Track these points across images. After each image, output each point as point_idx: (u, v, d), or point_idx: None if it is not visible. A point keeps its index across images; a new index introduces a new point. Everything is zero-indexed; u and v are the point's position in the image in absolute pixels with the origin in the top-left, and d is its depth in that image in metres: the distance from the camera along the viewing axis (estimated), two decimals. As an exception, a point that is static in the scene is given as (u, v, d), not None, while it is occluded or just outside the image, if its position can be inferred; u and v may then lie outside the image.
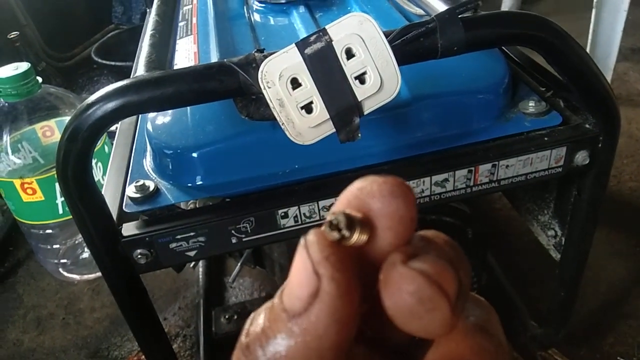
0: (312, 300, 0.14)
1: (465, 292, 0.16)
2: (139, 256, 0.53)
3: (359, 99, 0.43)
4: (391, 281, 0.15)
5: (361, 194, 0.16)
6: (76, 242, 1.12)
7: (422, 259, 0.15)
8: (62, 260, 1.11)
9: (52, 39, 1.82)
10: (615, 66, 1.41)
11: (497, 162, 0.56)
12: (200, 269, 1.07)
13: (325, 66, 0.43)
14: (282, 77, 0.42)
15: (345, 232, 0.15)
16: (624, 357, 0.86)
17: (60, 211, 1.01)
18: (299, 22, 0.71)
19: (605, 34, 1.35)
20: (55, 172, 0.97)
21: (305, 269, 0.15)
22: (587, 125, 0.58)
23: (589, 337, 0.89)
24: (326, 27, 0.42)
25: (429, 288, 0.15)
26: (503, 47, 0.70)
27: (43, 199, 0.98)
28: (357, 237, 0.15)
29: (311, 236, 0.15)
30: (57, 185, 0.98)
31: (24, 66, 0.93)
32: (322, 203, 0.54)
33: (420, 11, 0.71)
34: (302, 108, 0.43)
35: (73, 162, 0.45)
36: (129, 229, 0.53)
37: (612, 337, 0.89)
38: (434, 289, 0.15)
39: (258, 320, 0.16)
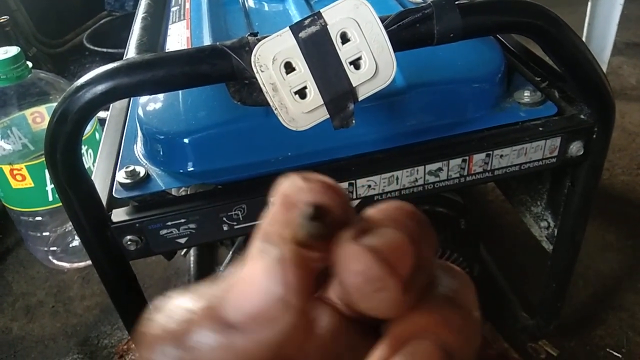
0: (265, 323, 0.13)
1: (425, 267, 0.15)
2: (129, 242, 0.52)
3: (354, 85, 0.43)
4: (339, 259, 0.14)
5: (286, 201, 0.15)
6: (66, 229, 1.11)
7: (375, 234, 0.14)
8: (51, 248, 1.10)
9: (44, 25, 1.80)
10: (609, 60, 1.41)
11: (491, 152, 0.56)
12: (192, 258, 1.06)
13: (319, 50, 0.42)
14: (276, 61, 0.42)
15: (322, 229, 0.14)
16: (614, 349, 0.87)
17: (50, 198, 1.00)
18: (293, 9, 0.70)
19: (600, 28, 1.35)
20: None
21: (271, 290, 0.13)
22: (582, 116, 0.58)
23: (579, 329, 0.90)
24: (321, 10, 0.42)
25: (377, 267, 0.13)
26: (499, 36, 0.69)
27: (33, 185, 0.97)
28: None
29: (289, 254, 0.13)
30: (47, 172, 0.97)
31: (13, 50, 0.91)
32: (315, 191, 0.54)
33: (416, -1, 0.70)
34: (295, 93, 0.43)
35: (62, 146, 0.44)
36: (118, 214, 0.52)
37: (602, 329, 0.90)
38: (383, 267, 0.13)
39: (173, 310, 0.14)
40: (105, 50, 1.74)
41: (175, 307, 0.14)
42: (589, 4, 1.33)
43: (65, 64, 1.83)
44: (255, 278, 0.13)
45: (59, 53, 1.85)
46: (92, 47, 1.77)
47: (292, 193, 0.15)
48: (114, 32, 1.88)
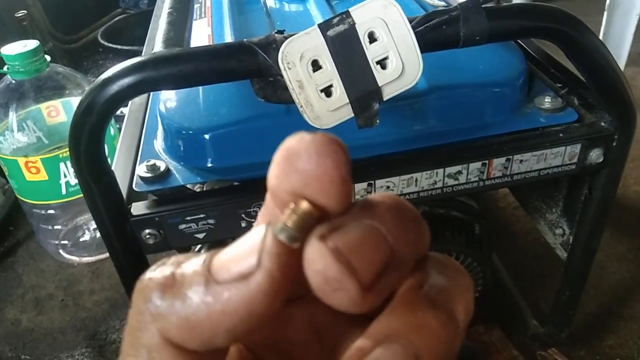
0: (239, 281, 0.14)
1: (399, 264, 0.15)
2: (148, 236, 0.52)
3: (380, 84, 0.43)
4: (305, 256, 0.14)
5: (288, 154, 0.15)
6: (77, 224, 1.11)
7: (342, 233, 0.14)
8: (62, 242, 1.11)
9: (58, 20, 1.81)
10: (624, 70, 1.41)
11: (511, 157, 0.56)
12: (202, 256, 1.06)
13: (347, 49, 0.42)
14: (303, 58, 0.42)
15: (295, 245, 0.15)
16: (624, 359, 0.86)
17: (64, 191, 1.00)
18: (315, 9, 0.71)
19: (615, 38, 1.35)
20: (60, 152, 0.97)
21: (251, 250, 0.14)
22: (603, 123, 0.58)
23: (589, 338, 0.89)
24: (350, 9, 0.42)
25: (335, 268, 0.14)
26: (520, 42, 0.69)
27: (47, 178, 0.97)
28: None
29: (278, 225, 0.14)
30: (61, 165, 0.98)
31: (32, 44, 0.92)
32: (333, 190, 0.54)
33: (437, 2, 0.70)
34: (321, 91, 0.43)
35: (87, 137, 0.45)
36: (138, 208, 0.52)
37: (612, 339, 0.89)
38: (341, 268, 0.14)
39: (170, 265, 0.15)
40: (119, 47, 1.75)
41: (176, 263, 0.15)
42: (605, 13, 1.32)
43: (79, 60, 1.85)
44: (242, 244, 0.15)
45: (73, 49, 1.86)
46: (106, 43, 1.78)
47: (294, 144, 0.15)
48: (128, 29, 1.89)
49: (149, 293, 0.15)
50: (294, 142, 0.15)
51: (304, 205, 0.15)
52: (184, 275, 0.15)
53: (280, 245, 0.14)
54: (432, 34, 0.45)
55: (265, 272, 0.14)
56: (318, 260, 0.14)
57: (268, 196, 0.17)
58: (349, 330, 0.19)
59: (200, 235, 0.54)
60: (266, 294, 0.14)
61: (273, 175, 0.15)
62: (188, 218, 0.52)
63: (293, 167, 0.15)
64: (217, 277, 0.14)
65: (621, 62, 1.37)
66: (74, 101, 0.99)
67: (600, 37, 1.34)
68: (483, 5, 0.46)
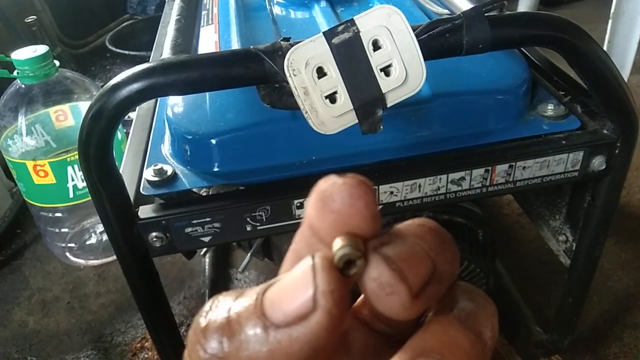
0: (298, 322, 0.15)
1: (441, 280, 0.17)
2: (154, 239, 0.53)
3: (383, 91, 0.44)
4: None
5: (324, 197, 0.16)
6: (84, 227, 1.12)
7: (392, 246, 0.16)
8: (69, 245, 1.12)
9: (67, 26, 1.83)
10: (628, 79, 1.41)
11: (514, 163, 0.56)
12: (207, 260, 1.07)
13: (351, 56, 0.43)
14: (308, 65, 0.43)
15: (353, 270, 0.16)
16: (628, 367, 0.86)
17: (71, 195, 1.01)
18: (320, 17, 0.72)
19: (620, 46, 1.35)
20: (67, 155, 0.98)
21: (305, 291, 0.15)
22: (605, 131, 0.58)
23: (593, 346, 0.89)
24: (354, 17, 0.43)
25: (389, 274, 0.15)
26: (524, 50, 0.70)
27: (54, 182, 0.98)
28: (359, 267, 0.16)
29: (321, 261, 0.15)
30: (69, 169, 0.99)
31: (42, 49, 0.93)
32: (337, 195, 0.54)
33: (441, 10, 0.71)
34: (326, 97, 0.44)
35: (96, 141, 0.46)
36: (145, 211, 0.53)
37: (616, 347, 0.89)
38: (394, 274, 0.15)
39: (223, 306, 0.16)
40: (126, 52, 1.76)
41: (228, 303, 0.16)
42: (610, 22, 1.33)
43: (87, 65, 1.86)
44: (292, 282, 0.15)
45: (81, 54, 1.88)
46: (113, 49, 1.79)
47: (327, 188, 0.16)
48: (135, 34, 1.91)
49: (210, 337, 0.15)
50: (327, 186, 0.16)
51: (348, 235, 0.16)
52: (240, 321, 0.15)
53: (334, 282, 0.15)
54: (435, 42, 0.45)
55: (323, 311, 0.15)
56: (373, 268, 0.16)
57: (305, 228, 0.18)
58: (385, 351, 0.20)
59: (206, 239, 0.54)
60: (327, 330, 0.15)
61: (312, 214, 0.16)
62: (194, 221, 0.53)
63: (329, 209, 0.16)
64: (273, 320, 0.15)
65: (626, 70, 1.37)
66: (82, 105, 1.00)
67: (605, 45, 1.35)
68: (486, 14, 0.47)
